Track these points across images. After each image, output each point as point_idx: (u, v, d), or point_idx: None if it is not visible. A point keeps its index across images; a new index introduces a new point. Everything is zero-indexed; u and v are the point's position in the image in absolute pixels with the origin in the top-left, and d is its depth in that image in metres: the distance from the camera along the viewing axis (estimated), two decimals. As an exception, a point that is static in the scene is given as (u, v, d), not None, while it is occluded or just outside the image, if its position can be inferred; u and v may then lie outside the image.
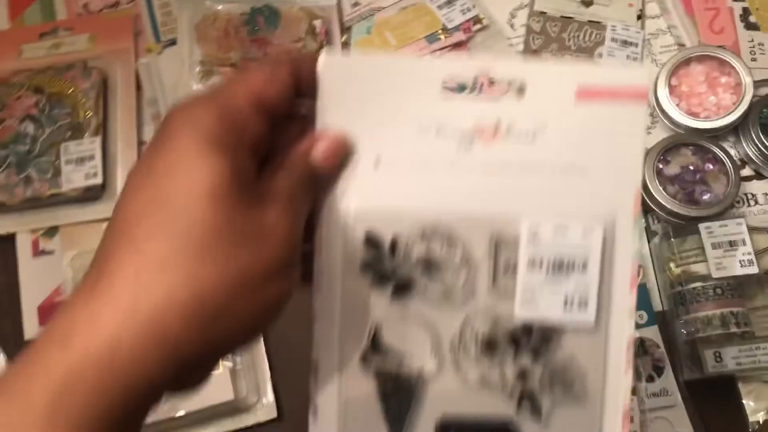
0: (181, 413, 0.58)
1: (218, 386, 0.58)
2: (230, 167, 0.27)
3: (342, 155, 0.33)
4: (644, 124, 0.34)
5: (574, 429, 0.34)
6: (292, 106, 0.33)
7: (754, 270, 0.56)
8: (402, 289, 0.34)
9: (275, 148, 0.32)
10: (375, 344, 0.34)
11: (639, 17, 0.71)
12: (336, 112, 0.33)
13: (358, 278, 0.34)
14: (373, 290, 0.34)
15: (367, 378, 0.34)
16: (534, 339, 0.34)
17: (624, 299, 0.34)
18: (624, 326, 0.34)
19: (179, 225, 0.26)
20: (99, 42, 0.73)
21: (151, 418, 0.57)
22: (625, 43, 0.69)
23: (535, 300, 0.33)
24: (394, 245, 0.34)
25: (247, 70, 0.31)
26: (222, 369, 0.59)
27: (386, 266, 0.34)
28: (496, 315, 0.34)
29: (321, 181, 0.33)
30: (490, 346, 0.34)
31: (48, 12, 0.75)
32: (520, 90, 0.33)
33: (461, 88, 0.33)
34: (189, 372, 0.28)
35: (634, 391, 0.59)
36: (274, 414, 0.60)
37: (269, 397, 0.60)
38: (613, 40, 0.69)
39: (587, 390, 0.34)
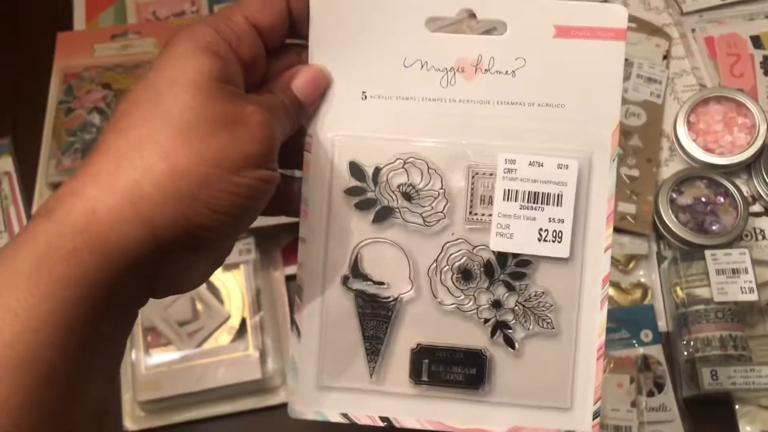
0: (210, 386, 0.63)
1: (248, 366, 0.63)
2: (216, 66, 0.30)
3: (321, 86, 0.35)
4: (622, 62, 0.34)
5: (547, 362, 0.35)
6: (285, 36, 0.34)
7: (754, 297, 0.60)
8: (383, 216, 0.35)
9: (269, 76, 0.34)
10: (356, 268, 0.36)
11: (665, 57, 0.75)
12: (326, 46, 0.35)
13: (343, 204, 0.36)
14: (357, 216, 0.35)
15: (348, 300, 0.36)
16: (508, 270, 0.35)
17: (599, 235, 0.34)
18: (599, 262, 0.34)
19: (161, 110, 0.29)
20: (164, 46, 0.79)
21: (182, 389, 0.62)
22: (649, 80, 0.74)
23: (510, 231, 0.34)
24: (376, 174, 0.35)
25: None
26: (252, 351, 0.64)
27: (368, 194, 0.35)
28: (472, 245, 0.35)
29: (302, 109, 0.35)
30: (465, 275, 0.35)
31: (120, 16, 0.82)
32: (502, 26, 0.34)
33: (445, 24, 0.34)
34: (168, 257, 0.29)
35: (635, 404, 0.62)
36: (296, 396, 0.65)
37: (293, 380, 0.65)
38: (639, 76, 0.73)
39: (561, 324, 0.35)
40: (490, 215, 0.35)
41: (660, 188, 0.68)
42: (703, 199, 0.67)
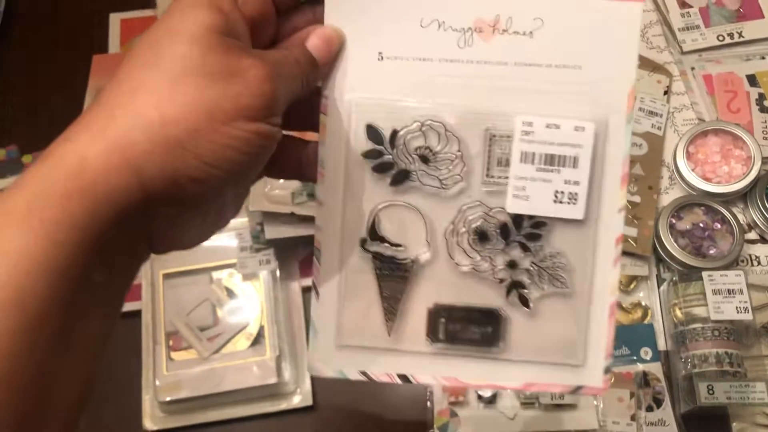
0: (228, 389, 0.66)
1: (264, 370, 0.66)
2: (216, 20, 0.29)
3: (335, 46, 0.34)
4: (639, 24, 0.34)
5: (561, 321, 0.36)
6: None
7: (748, 317, 0.63)
8: (400, 179, 0.35)
9: (282, 36, 0.34)
10: (374, 230, 0.36)
11: (665, 93, 0.80)
12: (342, 6, 0.34)
13: (360, 167, 0.35)
14: (374, 179, 0.35)
15: (366, 262, 0.36)
16: (524, 232, 0.35)
17: (614, 196, 0.35)
18: (613, 222, 0.35)
19: (156, 60, 0.28)
20: (193, 70, 0.84)
21: (201, 391, 0.65)
22: (651, 113, 0.78)
23: (526, 194, 0.34)
24: (393, 137, 0.35)
25: None
26: (269, 357, 0.67)
27: (386, 157, 0.35)
28: (488, 207, 0.35)
29: (316, 68, 0.34)
30: (481, 237, 0.35)
31: (152, 41, 0.87)
32: None
33: None
34: (158, 211, 0.29)
35: (634, 418, 0.65)
36: (309, 402, 0.67)
37: (307, 386, 0.68)
38: (641, 109, 0.78)
39: (575, 284, 0.35)
40: (507, 178, 0.35)
41: (660, 214, 0.72)
42: (701, 225, 0.71)
